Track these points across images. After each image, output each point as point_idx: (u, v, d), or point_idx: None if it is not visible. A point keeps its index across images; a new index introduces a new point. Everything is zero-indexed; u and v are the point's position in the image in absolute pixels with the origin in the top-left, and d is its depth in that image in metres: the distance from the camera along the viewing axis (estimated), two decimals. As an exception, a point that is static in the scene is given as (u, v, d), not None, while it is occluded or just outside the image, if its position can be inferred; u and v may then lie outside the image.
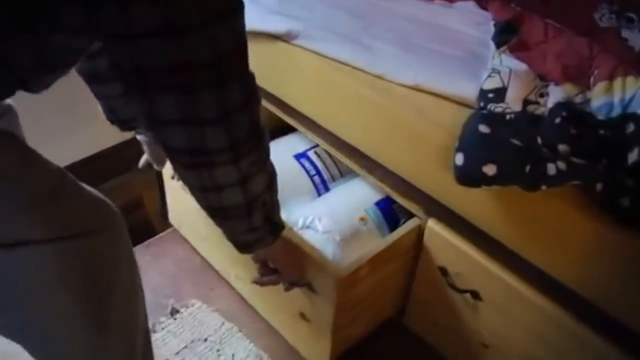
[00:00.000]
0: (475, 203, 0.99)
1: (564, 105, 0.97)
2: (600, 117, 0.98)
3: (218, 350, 1.32)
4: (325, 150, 1.36)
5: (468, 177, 0.89)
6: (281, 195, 1.15)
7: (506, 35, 1.15)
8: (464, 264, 1.09)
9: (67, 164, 1.41)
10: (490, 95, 1.00)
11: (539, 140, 0.92)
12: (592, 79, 1.07)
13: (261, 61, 1.27)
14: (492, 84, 1.01)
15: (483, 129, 0.91)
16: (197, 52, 0.59)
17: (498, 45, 1.13)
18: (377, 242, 1.16)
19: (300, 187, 1.33)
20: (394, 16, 1.27)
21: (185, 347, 1.32)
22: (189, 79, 0.60)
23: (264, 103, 1.38)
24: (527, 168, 0.86)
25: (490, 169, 0.87)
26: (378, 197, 1.28)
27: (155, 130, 0.68)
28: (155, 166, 1.23)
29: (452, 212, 1.05)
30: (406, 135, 1.05)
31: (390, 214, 1.27)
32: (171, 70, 0.59)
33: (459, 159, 0.90)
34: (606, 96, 1.02)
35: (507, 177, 0.87)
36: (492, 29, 1.21)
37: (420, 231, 1.16)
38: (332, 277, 1.06)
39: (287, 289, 1.12)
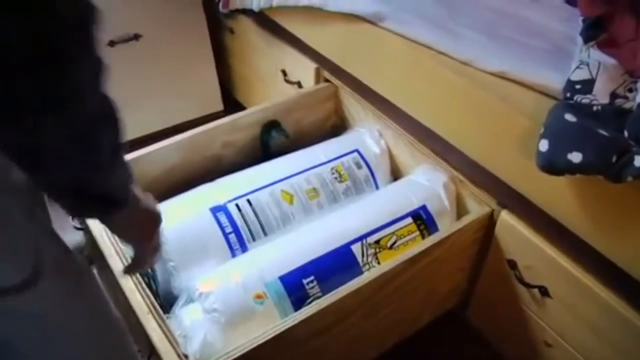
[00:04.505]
0: (554, 193, 0.97)
1: (654, 101, 0.94)
2: (692, 116, 0.95)
3: None
4: (249, 203, 1.19)
5: (552, 164, 0.88)
6: (189, 254, 1.07)
7: (595, 31, 1.13)
8: (535, 257, 1.08)
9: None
10: (578, 86, 0.98)
11: (626, 133, 0.90)
12: (684, 77, 1.04)
13: (346, 43, 1.31)
14: (580, 75, 0.99)
15: (569, 117, 0.90)
16: None
17: (586, 41, 1.11)
18: (273, 324, 0.95)
19: (212, 246, 1.15)
20: (479, 6, 1.27)
21: None
22: None
23: (344, 88, 1.40)
24: (614, 158, 0.84)
25: (575, 157, 0.85)
26: (287, 268, 1.08)
27: None
28: None
29: (527, 202, 1.03)
30: (488, 120, 1.05)
31: (296, 290, 1.07)
32: None
33: (544, 145, 0.89)
34: (698, 95, 0.99)
35: (593, 166, 0.85)
36: (580, 25, 1.19)
37: (492, 222, 1.15)
38: None
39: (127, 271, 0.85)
